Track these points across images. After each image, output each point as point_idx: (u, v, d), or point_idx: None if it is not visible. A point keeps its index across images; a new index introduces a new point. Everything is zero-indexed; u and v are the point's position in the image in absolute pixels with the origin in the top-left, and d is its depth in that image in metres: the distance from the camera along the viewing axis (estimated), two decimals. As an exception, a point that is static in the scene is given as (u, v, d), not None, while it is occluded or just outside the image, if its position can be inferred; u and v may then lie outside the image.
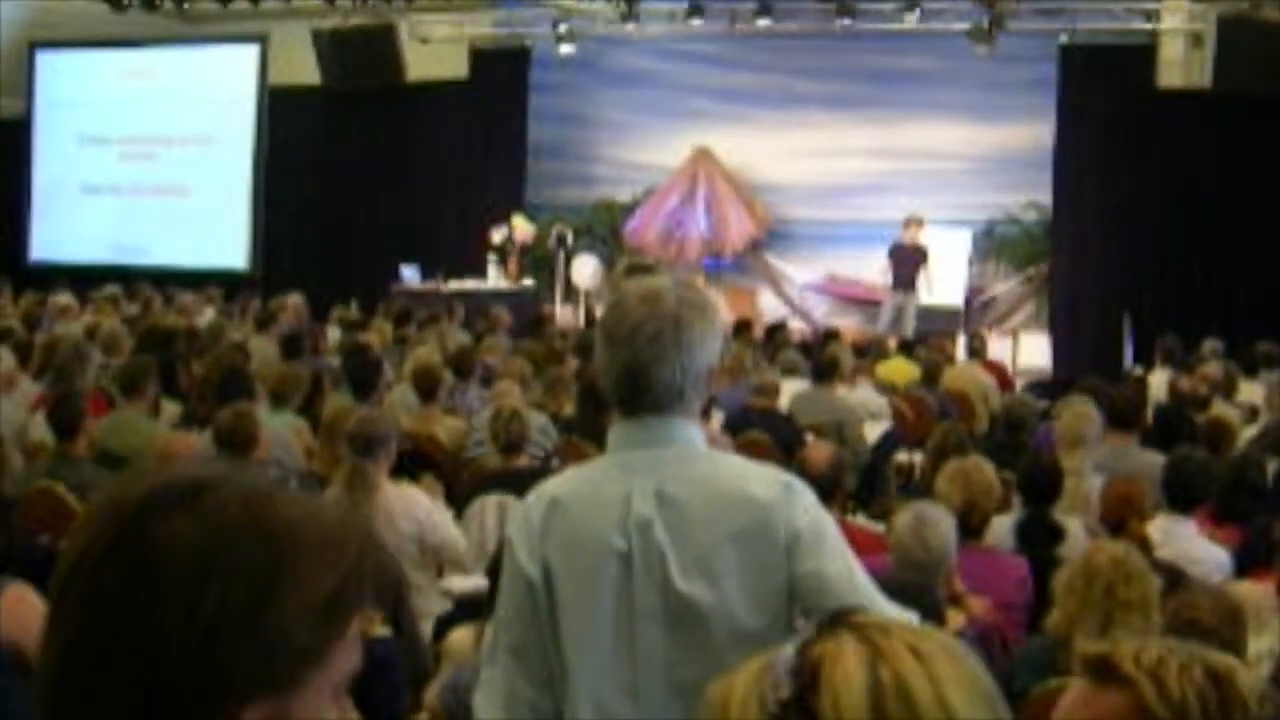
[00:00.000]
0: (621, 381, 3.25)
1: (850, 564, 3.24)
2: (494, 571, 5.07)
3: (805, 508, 3.22)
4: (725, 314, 19.22)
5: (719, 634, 3.14)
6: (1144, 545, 6.09)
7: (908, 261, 19.52)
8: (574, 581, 3.22)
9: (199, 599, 1.50)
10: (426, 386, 10.77)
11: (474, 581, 7.12)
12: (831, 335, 15.65)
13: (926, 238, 19.72)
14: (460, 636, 5.44)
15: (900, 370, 14.45)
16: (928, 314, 19.69)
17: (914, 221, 19.69)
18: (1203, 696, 1.90)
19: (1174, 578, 5.51)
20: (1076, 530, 7.14)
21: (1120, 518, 6.83)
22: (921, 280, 19.53)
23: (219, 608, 1.50)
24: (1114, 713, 1.60)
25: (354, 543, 1.64)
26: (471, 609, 6.41)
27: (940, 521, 5.69)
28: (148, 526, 1.52)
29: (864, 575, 3.27)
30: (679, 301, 3.25)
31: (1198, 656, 1.95)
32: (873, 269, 20.19)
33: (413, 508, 7.34)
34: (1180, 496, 7.10)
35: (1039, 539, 7.03)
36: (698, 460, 3.28)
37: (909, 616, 3.25)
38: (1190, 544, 6.85)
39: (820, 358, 12.35)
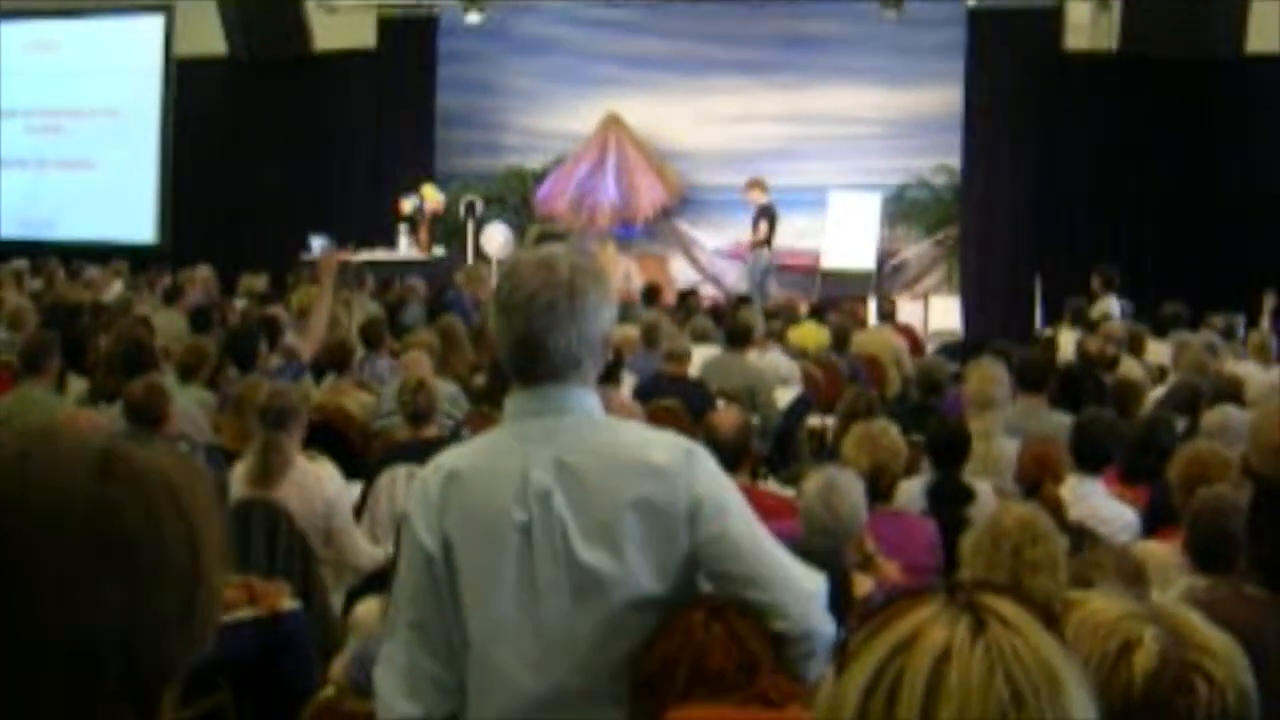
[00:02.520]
0: (517, 351, 3.24)
1: (755, 528, 3.24)
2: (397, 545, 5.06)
3: (707, 473, 3.22)
4: (636, 280, 19.28)
5: (621, 602, 3.14)
6: (1057, 507, 6.13)
7: (755, 222, 19.82)
8: (474, 554, 3.20)
9: (166, 568, 1.47)
10: (339, 358, 10.71)
11: (384, 553, 7.10)
12: (743, 301, 15.69)
13: (769, 197, 19.98)
14: (367, 609, 5.42)
15: (811, 335, 14.49)
16: (838, 278, 19.78)
17: (754, 184, 19.98)
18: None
19: (1081, 538, 5.54)
20: (986, 492, 7.18)
21: (1036, 480, 6.86)
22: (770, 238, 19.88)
23: (177, 575, 1.47)
24: None
25: (213, 491, 1.61)
26: (379, 582, 6.38)
27: (849, 487, 5.69)
28: (102, 501, 1.47)
29: (770, 538, 3.27)
30: (573, 269, 3.24)
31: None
32: (783, 234, 20.21)
33: (324, 484, 7.30)
34: (1088, 457, 7.13)
35: (949, 501, 7.07)
36: (596, 429, 3.27)
37: (818, 579, 3.27)
38: (1099, 504, 6.89)
39: (732, 323, 12.38)
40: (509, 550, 3.17)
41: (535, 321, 3.18)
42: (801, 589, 3.22)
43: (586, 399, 3.28)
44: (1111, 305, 15.82)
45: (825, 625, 3.22)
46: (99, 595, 1.44)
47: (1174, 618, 2.13)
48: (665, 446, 3.25)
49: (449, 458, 3.36)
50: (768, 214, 19.80)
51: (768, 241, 19.70)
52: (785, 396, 11.59)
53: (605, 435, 3.26)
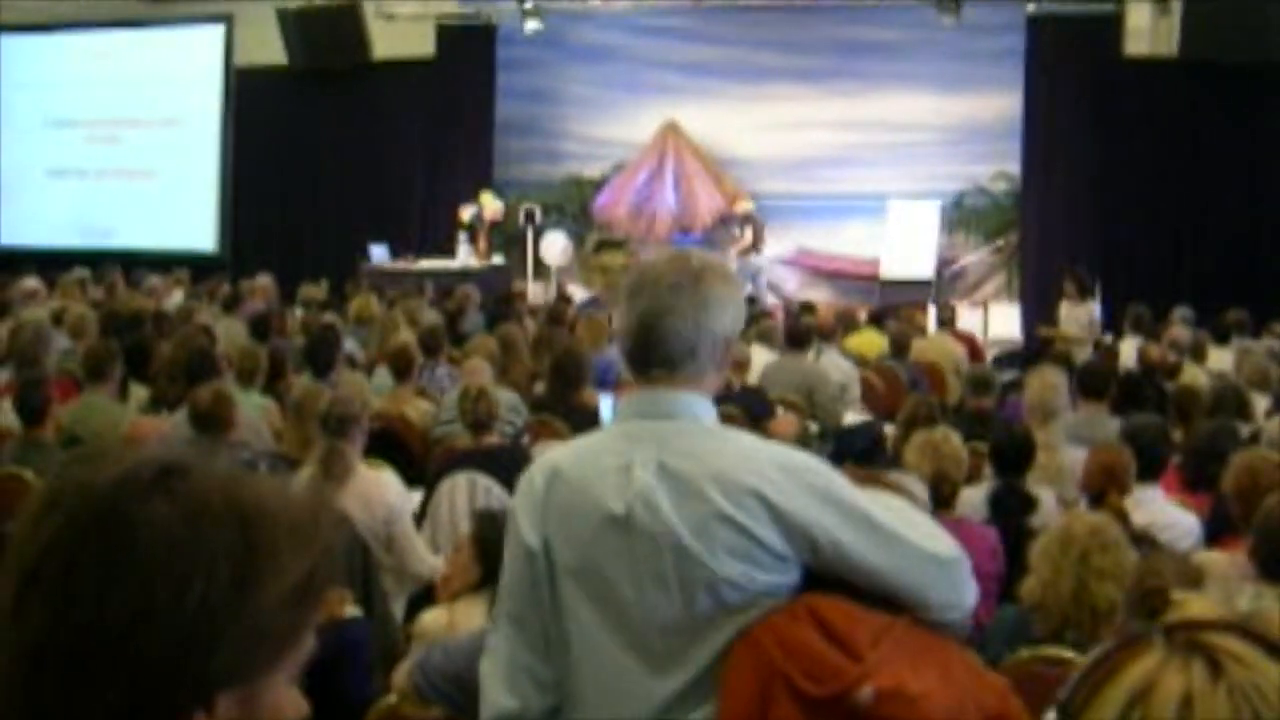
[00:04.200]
0: (636, 333, 3.21)
1: (864, 526, 3.09)
2: (490, 546, 5.04)
3: (809, 486, 3.15)
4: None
5: (720, 604, 3.10)
6: (1123, 516, 6.08)
7: (739, 231, 20.76)
8: (572, 550, 3.18)
9: (183, 588, 1.47)
10: (401, 366, 10.72)
11: (444, 560, 7.09)
12: (806, 308, 15.69)
13: (752, 206, 20.87)
14: (433, 617, 5.41)
15: (870, 342, 14.44)
16: (897, 286, 19.73)
17: (736, 196, 21.08)
18: None
19: (1145, 546, 5.50)
20: (1048, 501, 7.15)
21: (1101, 488, 6.80)
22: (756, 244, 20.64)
23: (203, 597, 1.47)
24: None
25: (324, 524, 1.62)
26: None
27: (913, 494, 5.66)
28: (124, 513, 1.48)
29: (884, 524, 3.12)
30: (704, 264, 3.24)
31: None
32: (840, 241, 20.24)
33: (385, 492, 7.31)
34: (1140, 463, 7.07)
35: (1011, 509, 7.03)
36: (705, 436, 3.22)
37: (948, 546, 3.17)
38: (1158, 510, 6.85)
39: (793, 326, 12.42)
40: (606, 548, 3.15)
41: (657, 302, 3.17)
42: (926, 570, 3.13)
43: (698, 404, 3.24)
44: (1094, 310, 15.91)
45: (960, 594, 3.16)
46: (103, 604, 1.46)
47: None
48: (770, 457, 3.21)
49: (554, 455, 3.33)
50: (750, 221, 20.51)
51: (754, 247, 20.29)
52: (849, 417, 11.53)
53: (712, 443, 3.20)
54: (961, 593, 3.16)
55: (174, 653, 1.46)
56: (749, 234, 20.22)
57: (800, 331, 12.12)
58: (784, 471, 3.14)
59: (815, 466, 3.21)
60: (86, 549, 1.47)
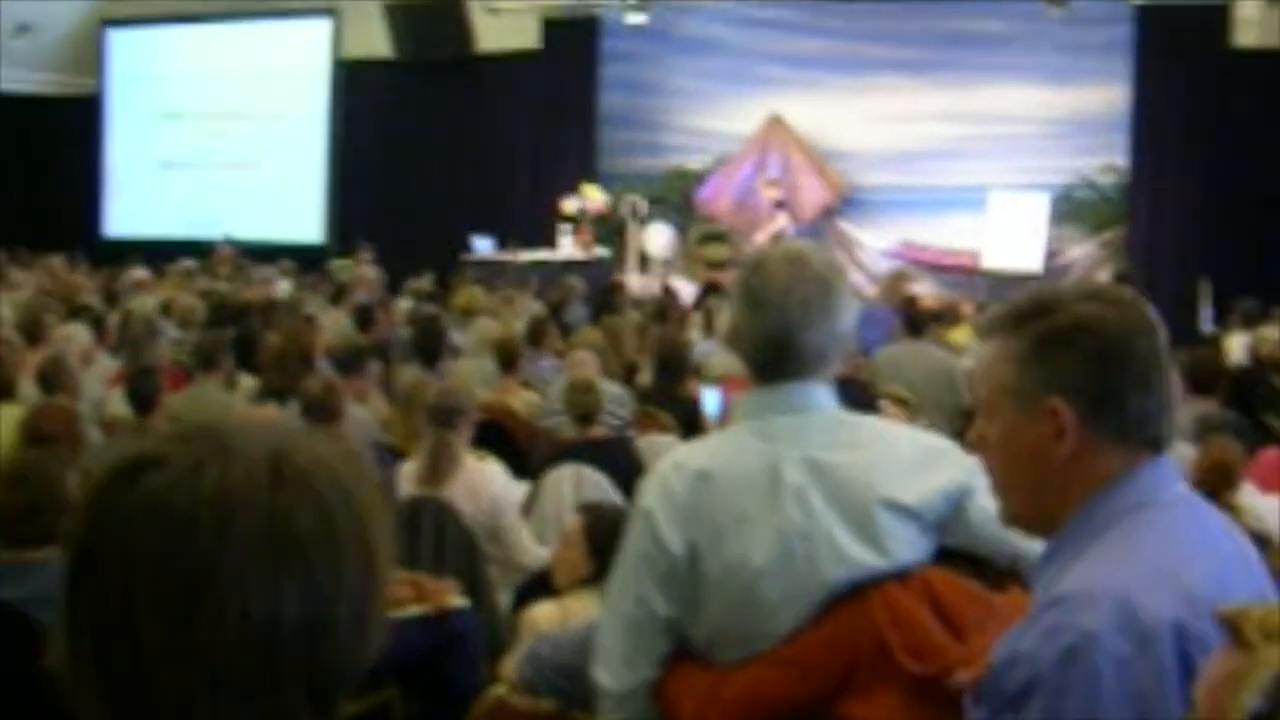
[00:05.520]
0: (767, 347, 3.19)
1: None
2: (601, 539, 5.05)
3: (952, 465, 3.19)
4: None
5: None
6: (1236, 513, 6.02)
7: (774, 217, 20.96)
8: (727, 555, 3.15)
9: (337, 579, 1.48)
10: (506, 358, 10.75)
11: (550, 552, 7.11)
12: (910, 300, 15.63)
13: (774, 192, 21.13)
14: (546, 611, 5.41)
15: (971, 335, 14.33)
16: (1001, 279, 19.57)
17: (771, 184, 21.36)
18: None
19: (1262, 543, 5.44)
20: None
21: (1214, 486, 6.73)
22: None
23: (352, 585, 1.49)
24: (1233, 677, 1.56)
25: (381, 487, 1.63)
26: (545, 581, 6.40)
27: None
28: (270, 512, 1.47)
29: None
30: (824, 264, 3.22)
31: None
32: (942, 234, 20.12)
33: (492, 483, 7.33)
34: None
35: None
36: (843, 426, 3.23)
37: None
38: (1258, 504, 6.79)
39: (910, 310, 12.46)
40: (766, 550, 3.12)
41: (789, 317, 3.15)
42: None
43: (828, 397, 3.24)
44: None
45: None
46: (277, 603, 1.45)
47: None
48: (909, 442, 3.24)
49: (692, 456, 3.29)
50: (783, 207, 20.72)
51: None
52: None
53: (853, 433, 3.21)
54: None
55: (345, 643, 1.48)
56: (781, 220, 20.20)
57: (920, 316, 12.11)
58: (928, 450, 3.17)
59: (944, 442, 3.24)
60: (249, 558, 1.45)
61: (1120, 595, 2.14)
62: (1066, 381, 2.36)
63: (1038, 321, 2.41)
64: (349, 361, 9.78)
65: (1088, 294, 2.45)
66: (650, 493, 3.27)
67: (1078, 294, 2.44)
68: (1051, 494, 2.40)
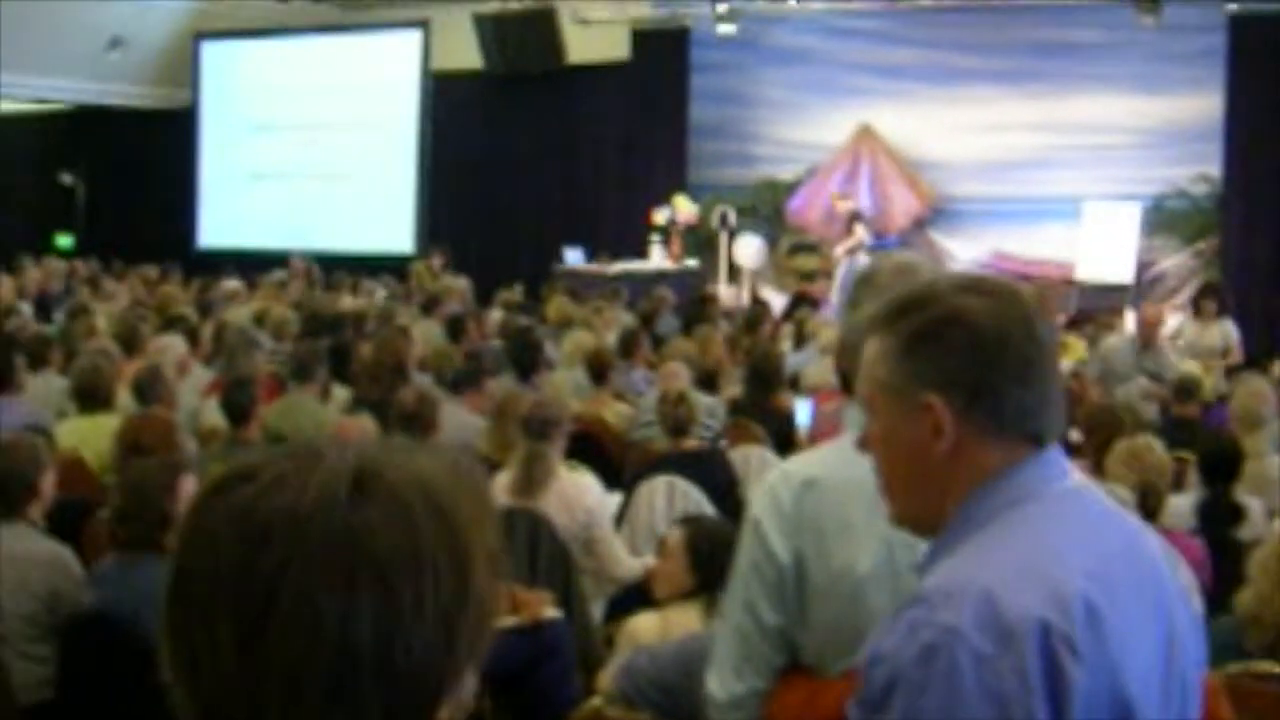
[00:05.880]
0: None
1: None
2: (702, 552, 5.05)
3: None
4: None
5: None
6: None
7: (848, 229, 20.77)
8: (833, 564, 3.20)
9: (420, 593, 1.47)
10: (598, 369, 10.77)
11: (643, 564, 7.12)
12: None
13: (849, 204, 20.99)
14: (647, 623, 5.41)
15: (1069, 347, 14.23)
16: (1094, 290, 19.42)
17: (840, 196, 21.23)
18: None
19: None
20: (1257, 510, 7.01)
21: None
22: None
23: (436, 597, 1.48)
24: None
25: (483, 483, 1.63)
26: (639, 593, 6.40)
27: (1124, 505, 5.59)
28: (343, 529, 1.46)
29: None
30: (934, 275, 3.21)
31: None
32: (1034, 244, 20.00)
33: (585, 495, 7.34)
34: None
35: (1220, 520, 6.90)
36: None
37: None
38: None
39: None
40: (871, 558, 3.16)
41: None
42: None
43: None
44: (1230, 331, 15.37)
45: None
46: (349, 617, 1.44)
47: None
48: None
49: (800, 467, 3.35)
50: (859, 219, 20.55)
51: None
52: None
53: None
54: None
55: (423, 660, 1.47)
56: (859, 232, 20.16)
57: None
58: None
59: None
60: (316, 573, 1.44)
61: (983, 591, 2.09)
62: (941, 376, 2.30)
63: (912, 316, 2.35)
64: (464, 378, 9.87)
65: (964, 285, 2.38)
66: (759, 502, 3.32)
67: (954, 286, 2.38)
68: (934, 492, 2.35)
